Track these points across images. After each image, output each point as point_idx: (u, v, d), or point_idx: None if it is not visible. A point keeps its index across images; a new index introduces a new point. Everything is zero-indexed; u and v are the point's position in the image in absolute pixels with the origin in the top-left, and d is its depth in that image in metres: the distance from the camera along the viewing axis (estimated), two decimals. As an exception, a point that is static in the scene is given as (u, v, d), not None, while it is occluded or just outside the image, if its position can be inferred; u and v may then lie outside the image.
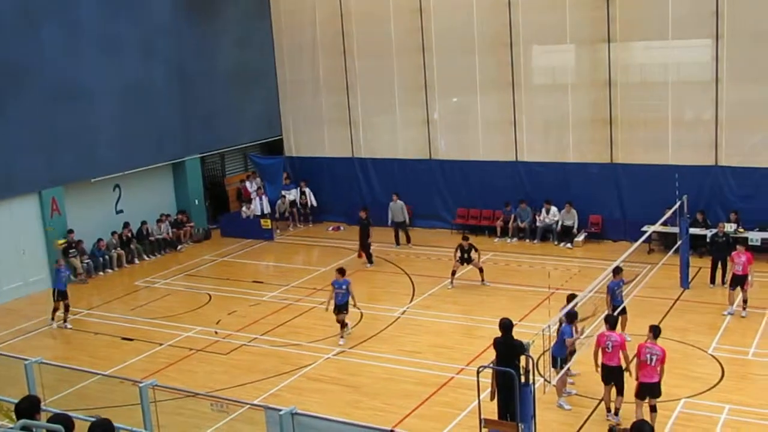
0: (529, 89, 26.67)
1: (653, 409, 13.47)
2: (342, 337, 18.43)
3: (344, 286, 18.41)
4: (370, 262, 24.50)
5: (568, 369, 14.95)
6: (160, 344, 19.01)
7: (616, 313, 16.61)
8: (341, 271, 18.79)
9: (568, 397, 15.00)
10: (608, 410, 14.07)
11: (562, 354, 14.58)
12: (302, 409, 11.80)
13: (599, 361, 13.95)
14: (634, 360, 13.63)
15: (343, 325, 18.50)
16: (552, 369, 14.78)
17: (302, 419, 10.88)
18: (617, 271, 17.17)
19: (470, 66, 27.16)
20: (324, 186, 30.04)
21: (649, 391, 13.44)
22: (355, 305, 18.81)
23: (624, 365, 13.81)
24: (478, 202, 27.58)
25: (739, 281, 18.68)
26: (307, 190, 29.86)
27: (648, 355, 13.36)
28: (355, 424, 11.64)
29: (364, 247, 24.59)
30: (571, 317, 14.75)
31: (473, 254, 21.96)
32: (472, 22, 26.89)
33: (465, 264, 22.06)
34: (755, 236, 23.05)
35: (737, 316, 18.66)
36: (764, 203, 23.39)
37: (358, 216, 25.01)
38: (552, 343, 14.65)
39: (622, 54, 25.01)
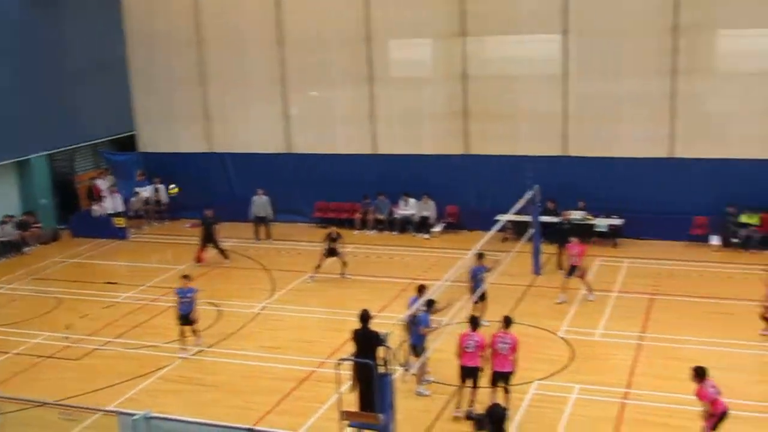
0: (387, 82, 26.93)
1: (507, 390, 13.84)
2: (197, 343, 17.60)
3: (189, 295, 17.39)
4: (226, 257, 24.06)
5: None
6: (6, 353, 18.00)
7: (475, 298, 17.07)
8: (186, 278, 17.82)
9: (428, 385, 15.22)
10: (458, 407, 14.12)
11: (420, 343, 14.78)
12: (161, 411, 11.53)
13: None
14: (488, 350, 13.90)
15: (195, 332, 17.59)
16: (413, 357, 14.96)
17: (157, 423, 10.61)
18: (480, 256, 17.68)
19: (328, 60, 27.21)
20: (181, 182, 29.19)
21: (502, 379, 13.80)
22: (195, 321, 17.58)
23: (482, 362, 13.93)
24: (338, 195, 27.61)
25: (575, 270, 19.56)
26: (161, 187, 29.06)
27: (500, 345, 13.69)
28: (213, 424, 11.45)
29: (215, 245, 24.06)
30: (429, 305, 14.99)
31: (338, 245, 21.96)
32: (330, 16, 26.92)
33: (330, 256, 22.00)
34: (602, 223, 24.14)
35: (585, 299, 19.49)
36: (610, 191, 24.51)
37: (203, 215, 24.38)
38: (411, 333, 14.86)
39: (476, 48, 25.63)
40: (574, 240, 19.78)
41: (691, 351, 16.20)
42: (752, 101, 23.38)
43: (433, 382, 15.36)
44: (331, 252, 21.94)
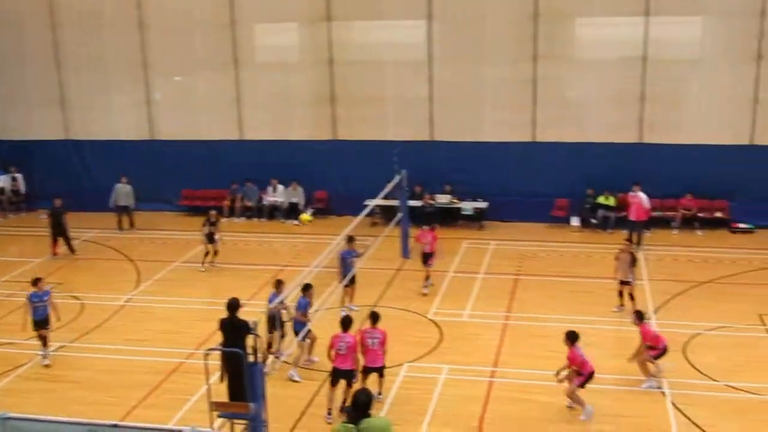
0: (253, 67, 26.63)
1: (381, 375, 13.94)
2: (45, 357, 16.28)
3: (45, 298, 16.17)
4: (72, 251, 23.14)
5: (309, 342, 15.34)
6: None
7: (345, 282, 17.12)
8: (39, 281, 16.36)
9: (307, 366, 15.20)
10: (329, 412, 13.69)
11: (300, 327, 14.86)
12: (21, 411, 10.98)
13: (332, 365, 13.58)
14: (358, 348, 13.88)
15: (46, 342, 16.30)
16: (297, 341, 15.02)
17: (15, 423, 10.11)
18: (350, 240, 17.81)
19: (192, 44, 26.67)
20: (37, 171, 28.00)
21: (374, 373, 13.90)
22: (58, 319, 16.58)
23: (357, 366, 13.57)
24: (204, 182, 27.13)
25: (430, 258, 19.51)
26: (18, 176, 27.72)
27: (369, 341, 13.74)
28: (76, 422, 10.99)
29: (64, 236, 23.10)
30: (306, 289, 15.09)
31: (217, 229, 21.41)
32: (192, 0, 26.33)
33: (210, 242, 21.42)
34: (468, 206, 24.67)
35: (454, 280, 19.89)
36: (474, 175, 25.08)
37: (51, 204, 23.29)
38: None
39: (342, 33, 25.64)
40: (425, 228, 19.75)
41: (553, 329, 16.70)
42: (608, 87, 24.38)
43: (310, 368, 15.32)
44: (210, 237, 21.44)
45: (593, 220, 24.24)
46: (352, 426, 8.82)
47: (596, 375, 13.57)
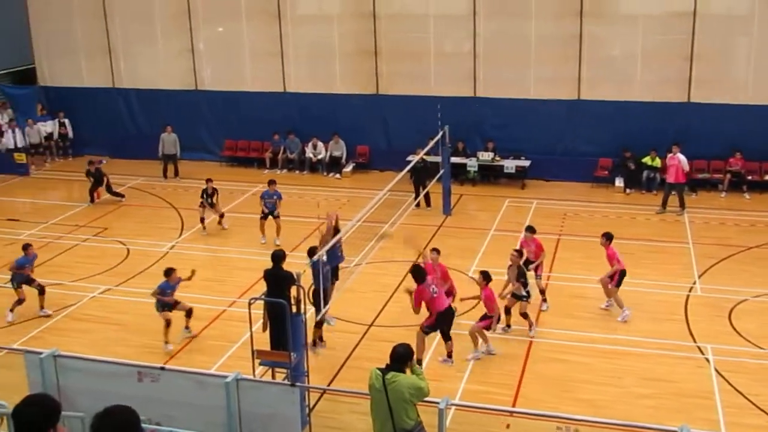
0: (295, 19, 26.55)
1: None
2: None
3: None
4: (119, 195, 23.70)
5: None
6: None
7: (274, 214, 19.04)
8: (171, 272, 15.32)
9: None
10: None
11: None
12: (66, 350, 11.26)
13: None
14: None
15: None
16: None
17: (64, 361, 10.40)
18: (271, 182, 19.75)
19: (235, -6, 26.60)
20: (84, 117, 28.39)
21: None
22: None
23: None
24: (247, 133, 27.27)
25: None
26: (66, 122, 28.10)
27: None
28: (122, 362, 11.28)
29: (108, 192, 23.61)
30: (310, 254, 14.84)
31: (215, 199, 20.97)
32: (237, -51, 26.29)
33: (210, 208, 20.89)
34: (510, 164, 24.49)
35: (495, 238, 19.84)
36: (517, 132, 24.86)
37: (87, 169, 23.56)
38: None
39: (384, -15, 25.42)
40: (528, 234, 16.92)
41: (592, 290, 16.65)
42: (655, 44, 23.87)
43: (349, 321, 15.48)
44: (210, 204, 20.89)
45: (637, 181, 23.85)
46: (380, 374, 8.98)
47: (635, 338, 13.50)
